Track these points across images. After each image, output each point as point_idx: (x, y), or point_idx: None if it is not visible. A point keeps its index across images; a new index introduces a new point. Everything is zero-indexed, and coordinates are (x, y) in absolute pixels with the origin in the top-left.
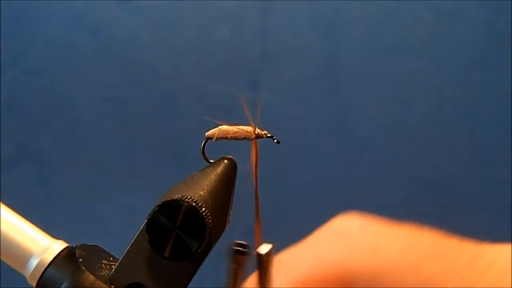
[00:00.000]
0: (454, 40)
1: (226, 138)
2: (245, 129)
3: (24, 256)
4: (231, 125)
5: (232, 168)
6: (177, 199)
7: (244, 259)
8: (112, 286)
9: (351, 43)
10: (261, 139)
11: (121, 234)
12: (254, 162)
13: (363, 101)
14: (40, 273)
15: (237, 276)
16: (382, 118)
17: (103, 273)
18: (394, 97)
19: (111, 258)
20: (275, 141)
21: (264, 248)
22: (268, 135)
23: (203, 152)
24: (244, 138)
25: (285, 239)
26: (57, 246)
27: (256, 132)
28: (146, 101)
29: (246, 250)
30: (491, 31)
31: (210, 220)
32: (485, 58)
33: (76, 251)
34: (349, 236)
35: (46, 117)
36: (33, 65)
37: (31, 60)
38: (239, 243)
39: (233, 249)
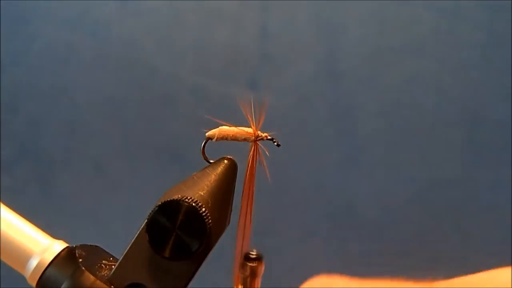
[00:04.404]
0: (454, 40)
1: (226, 139)
2: (246, 131)
3: (24, 256)
4: (232, 126)
5: (232, 168)
6: (177, 199)
7: (257, 268)
8: (112, 286)
9: (351, 43)
10: (261, 141)
11: (121, 234)
12: (251, 164)
13: (363, 101)
14: (40, 273)
15: (253, 286)
16: (382, 118)
17: (103, 273)
18: (394, 97)
19: (111, 258)
20: (275, 143)
21: (253, 257)
22: (269, 137)
23: (203, 152)
24: (245, 140)
25: (284, 238)
26: (57, 246)
27: (256, 134)
28: (146, 101)
29: (258, 259)
30: (491, 31)
31: (210, 220)
32: (485, 58)
33: (76, 251)
34: None
35: (46, 117)
36: (33, 65)
37: (31, 60)
38: (251, 252)
39: (245, 259)
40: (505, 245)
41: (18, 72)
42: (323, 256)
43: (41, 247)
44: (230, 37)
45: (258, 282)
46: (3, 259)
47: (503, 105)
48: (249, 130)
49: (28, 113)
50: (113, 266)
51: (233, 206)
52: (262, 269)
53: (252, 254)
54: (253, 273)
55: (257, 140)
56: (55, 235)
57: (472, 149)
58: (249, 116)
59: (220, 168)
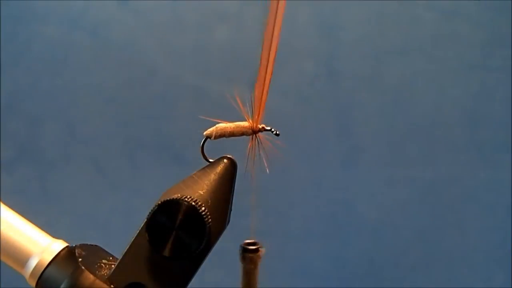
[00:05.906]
0: (454, 40)
1: (225, 135)
2: (243, 125)
3: (23, 255)
4: (229, 122)
5: (231, 168)
6: (177, 198)
7: (256, 258)
8: (112, 286)
9: (351, 43)
10: (260, 132)
11: (121, 234)
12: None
13: (363, 101)
14: (40, 272)
15: (252, 275)
16: (382, 118)
17: (102, 273)
18: (394, 97)
19: (111, 258)
20: (274, 133)
21: (253, 246)
22: (267, 128)
23: (202, 152)
24: (243, 134)
25: (284, 238)
26: (57, 245)
27: (253, 126)
28: (146, 101)
29: (258, 248)
30: (491, 31)
31: (210, 220)
32: (485, 58)
33: (76, 250)
34: None
35: (46, 117)
36: (33, 65)
37: (31, 60)
38: (249, 242)
39: (244, 249)
40: (504, 245)
41: (18, 72)
42: (323, 256)
43: (40, 246)
44: (230, 37)
45: (257, 272)
46: (2, 259)
47: (503, 105)
48: (246, 123)
49: (28, 113)
50: (112, 266)
51: (232, 205)
52: (260, 257)
53: (251, 245)
54: (254, 263)
55: (255, 133)
56: (55, 234)
57: (472, 149)
58: (244, 111)
59: (219, 167)
